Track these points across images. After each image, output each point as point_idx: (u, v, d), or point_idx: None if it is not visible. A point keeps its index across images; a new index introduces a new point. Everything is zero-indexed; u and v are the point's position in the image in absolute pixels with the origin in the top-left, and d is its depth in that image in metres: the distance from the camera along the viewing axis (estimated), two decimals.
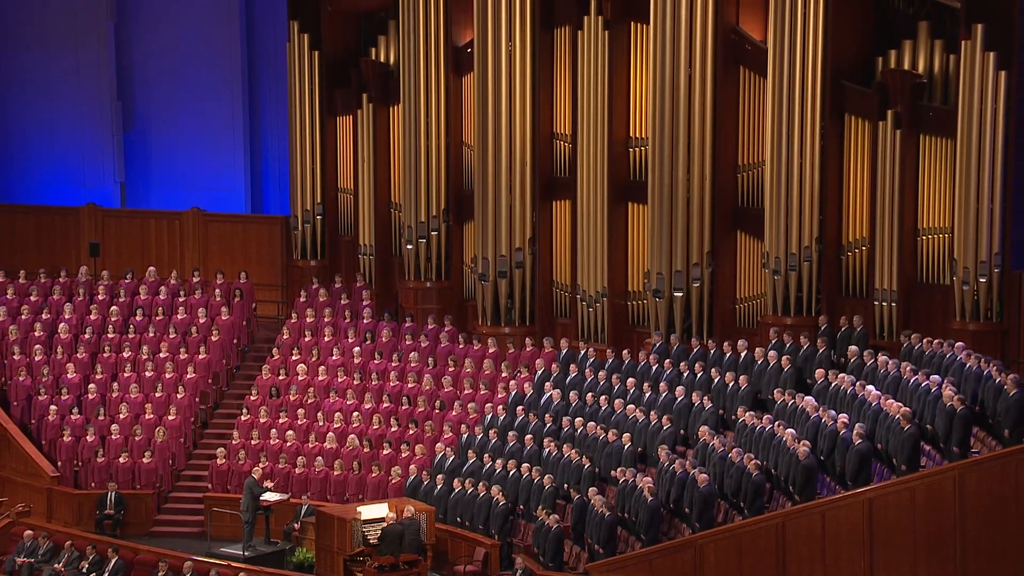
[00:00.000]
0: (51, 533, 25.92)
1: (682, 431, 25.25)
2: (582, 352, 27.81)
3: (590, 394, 26.58)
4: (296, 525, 26.44)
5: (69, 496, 28.17)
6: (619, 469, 24.31)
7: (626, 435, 25.07)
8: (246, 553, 26.01)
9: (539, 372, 27.65)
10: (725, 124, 27.50)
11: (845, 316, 26.18)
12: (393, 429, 27.85)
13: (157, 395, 29.28)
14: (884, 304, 26.23)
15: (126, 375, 29.71)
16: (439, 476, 26.13)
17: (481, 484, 25.54)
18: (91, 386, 29.51)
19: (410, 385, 28.55)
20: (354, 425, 28.11)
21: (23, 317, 30.71)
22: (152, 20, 34.16)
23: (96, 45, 34.07)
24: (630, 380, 26.44)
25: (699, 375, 25.99)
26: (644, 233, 28.28)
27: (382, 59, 31.51)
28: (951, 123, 25.42)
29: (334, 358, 29.50)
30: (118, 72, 34.23)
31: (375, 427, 27.92)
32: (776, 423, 23.57)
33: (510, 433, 26.34)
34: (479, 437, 26.70)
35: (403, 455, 27.20)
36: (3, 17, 34.29)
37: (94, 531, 27.18)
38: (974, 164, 25.09)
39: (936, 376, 22.96)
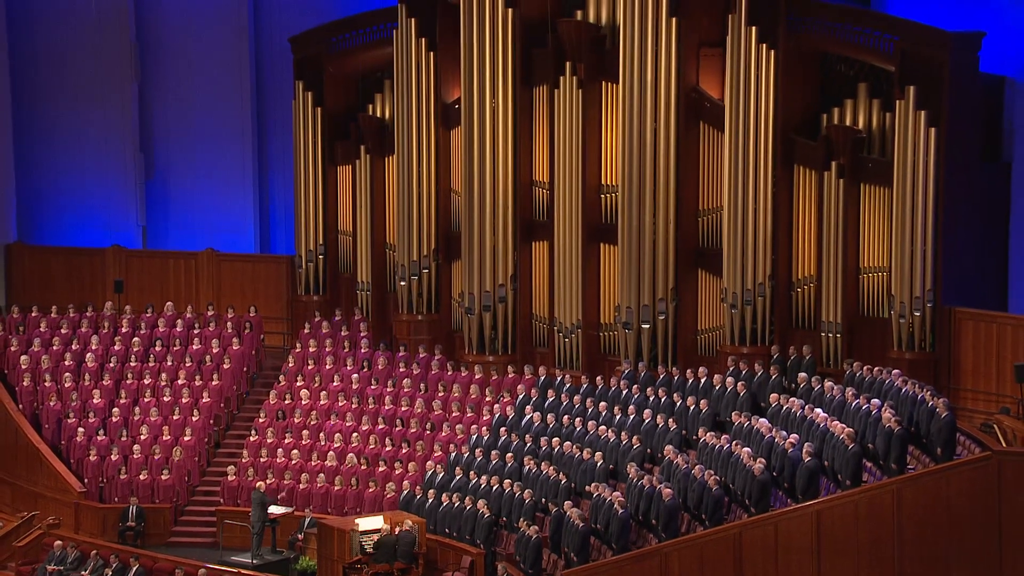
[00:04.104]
0: (78, 543, 25.80)
1: (649, 450, 25.35)
2: (559, 378, 27.85)
3: (566, 416, 26.62)
4: (300, 536, 26.45)
5: (95, 510, 28.17)
6: (592, 484, 24.27)
7: (599, 453, 25.11)
8: (254, 561, 26.01)
9: (520, 396, 27.70)
10: (687, 173, 27.66)
11: (795, 346, 26.31)
12: (388, 448, 27.91)
13: (174, 418, 29.32)
14: (830, 335, 26.43)
15: (146, 400, 29.77)
16: (430, 491, 26.09)
17: (468, 498, 25.49)
18: (115, 410, 29.51)
19: (403, 408, 28.62)
20: (352, 445, 28.15)
21: (54, 348, 30.71)
22: (172, 81, 34.21)
23: (121, 103, 34.05)
24: (602, 404, 26.53)
25: (664, 399, 26.07)
26: (615, 271, 28.39)
27: (378, 115, 31.60)
28: (888, 173, 25.68)
29: (334, 384, 29.58)
30: (140, 127, 34.23)
31: (371, 446, 27.97)
32: (734, 443, 23.61)
33: (494, 452, 26.36)
34: (466, 456, 26.71)
35: (397, 472, 27.23)
36: (40, 79, 34.29)
37: (117, 541, 27.09)
38: (908, 210, 25.34)
39: (876, 400, 23.06)
